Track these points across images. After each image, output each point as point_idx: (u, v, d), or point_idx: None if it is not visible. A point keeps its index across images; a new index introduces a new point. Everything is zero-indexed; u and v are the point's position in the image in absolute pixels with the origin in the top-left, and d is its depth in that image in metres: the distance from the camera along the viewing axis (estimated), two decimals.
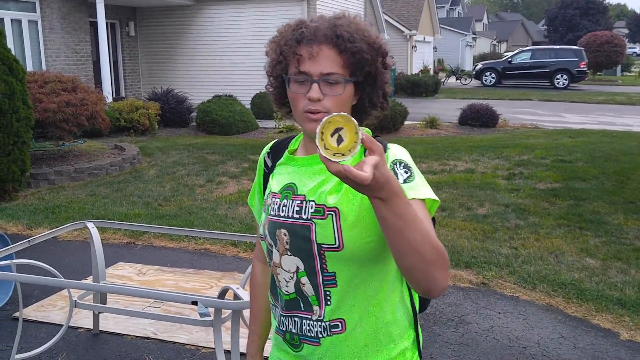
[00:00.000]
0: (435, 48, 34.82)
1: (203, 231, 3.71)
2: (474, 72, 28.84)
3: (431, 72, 29.72)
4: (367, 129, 1.35)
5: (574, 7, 50.05)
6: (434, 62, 34.86)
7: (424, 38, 30.37)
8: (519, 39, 62.82)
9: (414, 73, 26.06)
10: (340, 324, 1.31)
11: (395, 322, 1.35)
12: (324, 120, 1.02)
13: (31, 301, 4.08)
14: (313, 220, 1.29)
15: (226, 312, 2.88)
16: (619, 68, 37.19)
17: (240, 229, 5.64)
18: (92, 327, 3.68)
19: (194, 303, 2.59)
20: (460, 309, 4.00)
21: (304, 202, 1.32)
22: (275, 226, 1.36)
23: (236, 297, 2.64)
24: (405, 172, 1.26)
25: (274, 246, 1.37)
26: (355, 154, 1.03)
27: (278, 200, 1.38)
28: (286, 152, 1.46)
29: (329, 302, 1.31)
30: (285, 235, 1.34)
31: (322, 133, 1.02)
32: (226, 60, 15.47)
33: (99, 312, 3.64)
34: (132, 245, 5.39)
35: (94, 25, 13.29)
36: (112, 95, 13.35)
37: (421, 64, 29.83)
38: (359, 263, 1.29)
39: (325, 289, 1.31)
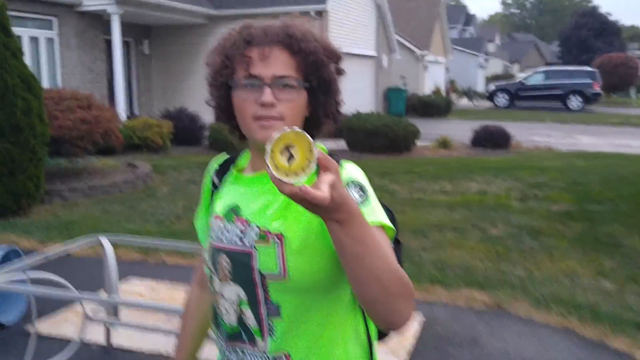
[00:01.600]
0: (447, 69, 34.91)
1: None
2: (486, 93, 28.83)
3: (443, 92, 29.77)
4: (321, 145, 1.21)
5: (587, 28, 50.10)
6: (446, 82, 34.94)
7: (436, 59, 30.48)
8: (532, 60, 62.84)
9: (425, 94, 26.13)
10: (285, 358, 1.19)
11: (347, 357, 1.22)
12: (273, 136, 0.92)
13: (44, 316, 4.09)
14: (256, 247, 1.17)
15: None
16: (633, 90, 37.09)
17: None
18: (104, 343, 3.68)
19: None
20: (473, 330, 3.95)
21: (247, 227, 1.20)
22: (216, 252, 1.24)
23: None
24: (360, 196, 1.12)
25: (215, 273, 1.25)
26: (310, 174, 0.92)
27: (220, 223, 1.26)
28: (234, 169, 1.34)
29: (273, 335, 1.19)
30: (227, 263, 1.22)
31: (272, 151, 0.92)
32: None
33: (111, 325, 3.64)
34: (143, 262, 5.40)
35: (109, 43, 13.47)
36: (126, 113, 13.49)
37: (433, 85, 29.91)
38: (305, 294, 1.16)
39: (269, 321, 1.18)
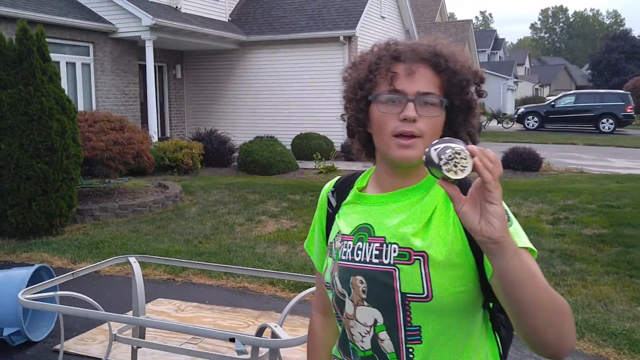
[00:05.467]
0: None
1: (242, 268, 3.71)
2: (516, 116, 28.57)
3: None
4: None
5: (618, 51, 49.56)
6: None
7: None
8: (562, 83, 62.22)
9: None
10: None
11: None
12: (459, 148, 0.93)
13: (72, 334, 4.14)
14: (397, 265, 1.13)
15: (263, 351, 2.85)
16: None
17: (279, 268, 5.62)
18: None
19: (232, 340, 2.58)
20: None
21: (385, 245, 1.16)
22: (348, 273, 1.19)
23: (274, 335, 2.62)
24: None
25: (346, 296, 1.20)
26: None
27: (351, 243, 1.21)
28: (354, 189, 1.30)
29: None
30: (361, 282, 1.17)
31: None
32: (268, 102, 15.77)
33: (138, 347, 3.65)
34: (171, 282, 5.44)
35: (142, 68, 13.78)
36: (158, 135, 13.72)
37: None
38: (447, 316, 1.12)
39: (408, 346, 1.14)
